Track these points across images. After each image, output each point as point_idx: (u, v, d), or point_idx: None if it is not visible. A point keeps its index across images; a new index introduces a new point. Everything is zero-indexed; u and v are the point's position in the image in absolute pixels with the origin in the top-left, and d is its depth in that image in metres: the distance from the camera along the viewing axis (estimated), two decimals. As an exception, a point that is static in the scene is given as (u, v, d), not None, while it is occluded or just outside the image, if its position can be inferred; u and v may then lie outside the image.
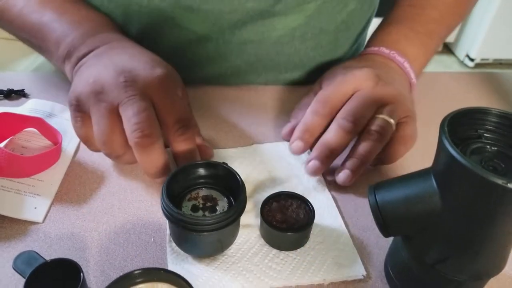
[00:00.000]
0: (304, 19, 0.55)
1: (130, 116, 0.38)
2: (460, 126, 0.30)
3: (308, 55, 0.59)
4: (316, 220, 0.40)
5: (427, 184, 0.30)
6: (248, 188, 0.44)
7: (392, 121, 0.45)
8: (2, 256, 0.37)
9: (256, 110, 0.56)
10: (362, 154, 0.44)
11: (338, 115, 0.46)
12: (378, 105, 0.46)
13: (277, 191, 0.41)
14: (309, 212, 0.39)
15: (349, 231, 0.41)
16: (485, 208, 0.27)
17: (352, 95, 0.47)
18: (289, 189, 0.43)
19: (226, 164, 0.38)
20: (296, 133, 0.47)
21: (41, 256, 0.34)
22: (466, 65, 2.55)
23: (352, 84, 0.47)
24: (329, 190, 0.45)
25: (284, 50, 0.58)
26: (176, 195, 0.38)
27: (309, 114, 0.47)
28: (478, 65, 2.52)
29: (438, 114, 0.31)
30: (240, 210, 0.35)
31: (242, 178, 0.37)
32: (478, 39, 2.50)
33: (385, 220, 0.31)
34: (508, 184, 0.24)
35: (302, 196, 0.40)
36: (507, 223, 0.27)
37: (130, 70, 0.41)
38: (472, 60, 2.51)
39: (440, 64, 2.63)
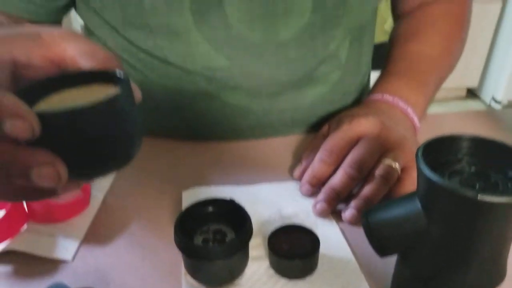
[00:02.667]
0: (331, 86, 0.62)
1: None
2: (440, 152, 0.33)
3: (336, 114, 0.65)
4: (324, 250, 0.42)
5: (413, 206, 0.32)
6: (258, 223, 0.48)
7: (396, 165, 0.47)
8: (35, 291, 0.41)
9: (269, 155, 0.60)
10: (367, 196, 0.46)
11: (344, 162, 0.49)
12: (382, 150, 0.49)
13: (285, 224, 0.44)
14: (315, 240, 0.42)
15: (357, 259, 0.43)
16: (465, 222, 0.29)
17: (358, 141, 0.50)
18: (297, 223, 0.46)
19: (233, 199, 0.41)
20: (305, 177, 0.51)
21: (68, 286, 0.38)
22: (493, 108, 2.54)
23: (357, 131, 0.51)
24: (337, 223, 0.48)
25: (316, 113, 0.64)
26: (188, 231, 0.41)
27: (316, 162, 0.50)
28: (505, 107, 2.50)
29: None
30: (247, 238, 0.38)
31: (252, 214, 0.40)
32: (503, 81, 2.50)
33: (378, 241, 0.33)
34: (478, 196, 0.27)
35: (307, 228, 0.43)
36: (490, 235, 0.29)
37: None
38: (498, 102, 2.50)
39: (467, 110, 2.63)
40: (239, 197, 0.51)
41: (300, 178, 0.53)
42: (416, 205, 0.32)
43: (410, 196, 0.33)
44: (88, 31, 0.62)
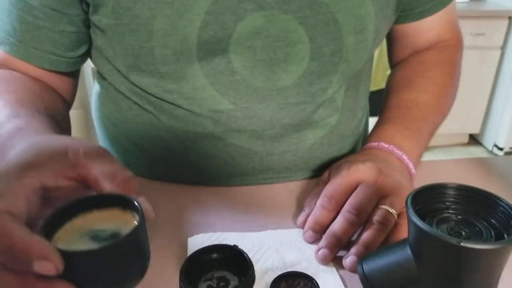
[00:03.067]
0: (330, 129, 0.66)
1: None
2: (429, 200, 0.35)
3: (335, 157, 0.68)
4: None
5: (404, 253, 0.34)
6: (260, 269, 0.49)
7: (393, 211, 0.50)
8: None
9: (273, 202, 0.63)
10: (366, 242, 0.48)
11: (344, 207, 0.51)
12: (380, 196, 0.51)
13: (286, 272, 0.45)
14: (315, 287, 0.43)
15: (355, 308, 0.44)
16: (451, 267, 0.31)
17: (356, 187, 0.53)
18: (298, 270, 0.47)
19: (237, 246, 0.43)
20: (308, 224, 0.53)
21: None
22: (496, 155, 2.56)
23: (355, 178, 0.53)
24: (337, 270, 0.49)
25: (316, 155, 0.67)
26: (193, 278, 0.43)
27: (318, 208, 0.53)
28: (507, 153, 2.52)
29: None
30: (249, 285, 0.40)
31: (256, 260, 0.42)
32: (504, 127, 2.53)
33: (371, 287, 0.35)
34: (461, 243, 0.29)
35: (308, 275, 0.45)
36: (476, 279, 0.31)
37: None
38: (501, 149, 2.52)
39: (469, 156, 2.64)
40: (244, 243, 0.53)
41: (303, 226, 0.55)
42: (407, 251, 0.34)
43: (401, 243, 0.35)
44: (101, 76, 0.66)
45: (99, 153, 0.38)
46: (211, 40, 0.55)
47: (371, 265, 0.35)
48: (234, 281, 0.43)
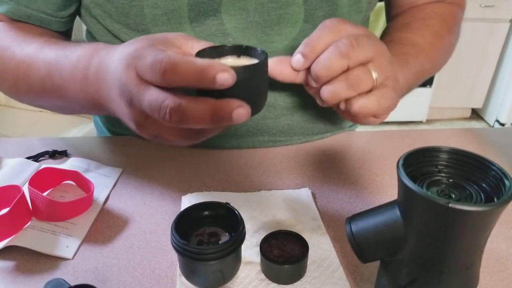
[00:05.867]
0: None
1: None
2: (421, 163, 0.35)
3: (330, 122, 0.68)
4: (313, 257, 0.45)
5: (393, 213, 0.34)
6: (252, 228, 0.50)
7: (375, 75, 0.44)
8: (36, 285, 0.43)
9: (268, 164, 0.63)
10: (331, 91, 0.43)
11: (337, 42, 0.43)
12: (375, 52, 0.44)
13: (276, 230, 0.46)
14: (304, 247, 0.44)
15: (344, 267, 0.45)
16: (438, 229, 0.31)
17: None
18: (288, 229, 0.48)
19: (229, 204, 0.44)
20: (299, 48, 0.45)
21: (67, 283, 0.40)
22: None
23: (362, 30, 0.45)
24: (327, 230, 0.50)
25: (311, 119, 0.66)
26: (184, 232, 0.43)
27: (315, 31, 0.45)
28: (509, 129, 2.51)
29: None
30: (239, 241, 0.40)
31: (248, 219, 0.42)
32: (507, 103, 2.51)
33: (359, 247, 0.35)
34: (450, 204, 0.29)
35: (298, 234, 0.45)
36: (463, 242, 0.31)
37: None
38: (502, 124, 2.51)
39: (470, 129, 2.63)
40: (237, 202, 0.53)
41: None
42: (396, 212, 0.34)
43: (390, 204, 0.35)
44: (91, 37, 0.65)
45: (189, 36, 0.43)
46: (203, 0, 0.53)
47: (359, 225, 0.35)
48: (224, 237, 0.44)
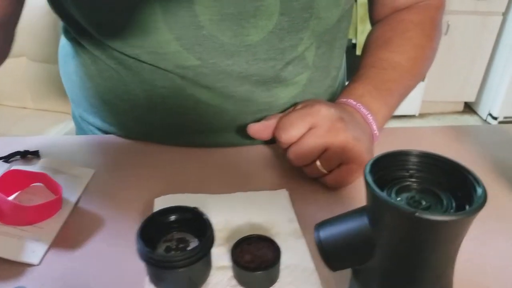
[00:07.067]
0: (301, 88, 0.64)
1: None
2: (392, 167, 0.34)
3: None
4: (288, 262, 0.43)
5: (361, 220, 0.33)
6: (226, 233, 0.48)
7: (323, 170, 0.54)
8: (-2, 294, 0.42)
9: (246, 164, 0.61)
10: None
11: (290, 149, 0.54)
12: (326, 146, 0.52)
13: (249, 235, 0.45)
14: (277, 251, 0.42)
15: (319, 273, 0.44)
16: (406, 238, 0.29)
17: (310, 129, 0.53)
18: (269, 234, 0.47)
19: (197, 208, 0.42)
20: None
21: (29, 291, 0.38)
22: (489, 124, 2.54)
23: (311, 120, 0.53)
24: (303, 235, 0.48)
25: None
26: (152, 239, 0.42)
27: (277, 142, 0.56)
28: (501, 123, 2.50)
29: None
30: (207, 247, 0.39)
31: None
32: (500, 97, 2.51)
33: (328, 255, 0.34)
34: (416, 213, 0.27)
35: (270, 238, 0.44)
36: (432, 252, 0.30)
37: None
38: (495, 118, 2.51)
39: (463, 124, 2.63)
40: (211, 205, 0.52)
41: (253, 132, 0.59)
42: (364, 220, 0.32)
43: (359, 211, 0.33)
44: (65, 29, 0.63)
45: None
46: None
47: (327, 232, 0.34)
48: (194, 242, 0.42)
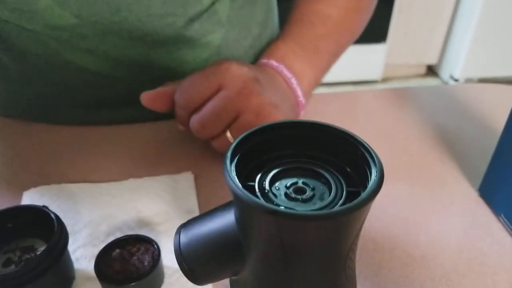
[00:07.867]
0: (214, 49, 0.53)
1: None
2: (271, 144, 0.25)
3: None
4: (174, 262, 0.34)
5: (229, 218, 0.24)
6: (105, 230, 0.39)
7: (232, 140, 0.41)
8: None
9: (146, 143, 0.51)
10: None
11: (192, 118, 0.43)
12: (237, 112, 0.42)
13: (141, 233, 0.36)
14: (157, 256, 0.33)
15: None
16: (274, 241, 0.21)
17: (218, 90, 0.42)
18: (158, 230, 0.38)
19: (47, 207, 0.32)
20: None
21: None
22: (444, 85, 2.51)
23: (218, 79, 0.42)
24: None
25: None
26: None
27: (176, 107, 0.45)
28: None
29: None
30: (54, 256, 0.30)
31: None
32: (461, 59, 2.47)
33: (187, 264, 0.25)
34: (279, 211, 0.19)
35: (150, 239, 0.35)
36: (310, 257, 0.21)
37: None
38: (456, 80, 2.47)
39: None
40: (92, 197, 0.42)
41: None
42: (232, 217, 0.24)
43: (228, 205, 0.25)
44: None
45: None
46: None
47: (189, 234, 0.25)
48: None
